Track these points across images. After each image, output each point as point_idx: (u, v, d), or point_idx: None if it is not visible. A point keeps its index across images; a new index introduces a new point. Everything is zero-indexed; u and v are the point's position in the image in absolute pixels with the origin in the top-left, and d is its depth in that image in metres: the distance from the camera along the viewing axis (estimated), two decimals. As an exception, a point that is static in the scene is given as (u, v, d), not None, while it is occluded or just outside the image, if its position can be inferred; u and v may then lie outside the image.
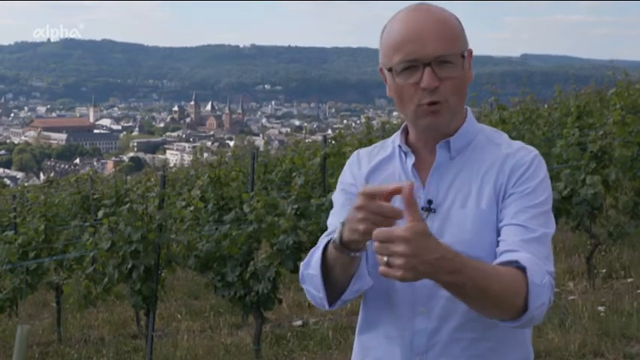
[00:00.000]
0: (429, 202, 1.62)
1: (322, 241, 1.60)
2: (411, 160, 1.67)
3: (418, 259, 1.30)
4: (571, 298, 5.97)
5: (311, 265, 1.59)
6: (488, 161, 1.63)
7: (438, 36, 1.55)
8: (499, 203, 1.59)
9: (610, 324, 5.18)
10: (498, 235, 1.57)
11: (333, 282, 1.57)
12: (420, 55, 1.54)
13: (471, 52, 1.61)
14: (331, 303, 1.60)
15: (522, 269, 1.45)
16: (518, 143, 1.67)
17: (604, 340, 4.94)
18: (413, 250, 1.29)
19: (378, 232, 1.33)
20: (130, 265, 5.55)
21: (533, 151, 1.64)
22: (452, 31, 1.58)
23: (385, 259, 1.32)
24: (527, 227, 1.53)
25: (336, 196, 1.76)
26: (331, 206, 1.79)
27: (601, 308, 5.61)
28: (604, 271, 6.62)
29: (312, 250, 1.63)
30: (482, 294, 1.41)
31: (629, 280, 6.35)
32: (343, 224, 1.47)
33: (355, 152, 1.81)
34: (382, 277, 1.65)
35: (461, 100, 1.61)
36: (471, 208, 1.59)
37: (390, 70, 1.59)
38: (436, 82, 1.54)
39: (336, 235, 1.50)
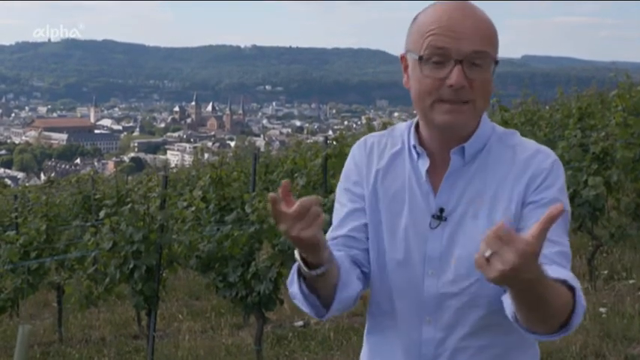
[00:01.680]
0: (441, 210, 1.57)
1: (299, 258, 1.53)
2: (424, 163, 1.60)
3: (516, 273, 1.23)
4: (572, 299, 5.96)
5: (293, 283, 1.55)
6: (504, 168, 1.56)
7: (474, 33, 1.49)
8: (516, 212, 1.52)
9: (611, 325, 5.18)
10: None
11: (319, 294, 1.54)
12: (452, 49, 1.48)
13: (497, 62, 1.53)
14: (322, 315, 1.57)
15: (571, 289, 1.39)
16: (532, 144, 1.59)
17: (605, 341, 4.93)
18: (520, 265, 1.21)
19: (503, 229, 1.22)
20: (131, 266, 5.55)
21: (551, 156, 1.57)
22: (488, 33, 1.53)
23: (488, 253, 1.23)
24: (554, 241, 1.46)
25: (338, 194, 1.70)
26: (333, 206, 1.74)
27: (602, 310, 5.60)
28: (605, 272, 6.62)
29: (294, 266, 1.56)
30: (543, 308, 1.34)
31: (631, 281, 6.35)
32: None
33: (362, 140, 1.71)
34: (387, 282, 1.62)
35: (485, 105, 1.55)
36: (482, 220, 1.54)
37: (420, 58, 1.51)
38: (464, 82, 1.48)
39: (297, 257, 1.48)
